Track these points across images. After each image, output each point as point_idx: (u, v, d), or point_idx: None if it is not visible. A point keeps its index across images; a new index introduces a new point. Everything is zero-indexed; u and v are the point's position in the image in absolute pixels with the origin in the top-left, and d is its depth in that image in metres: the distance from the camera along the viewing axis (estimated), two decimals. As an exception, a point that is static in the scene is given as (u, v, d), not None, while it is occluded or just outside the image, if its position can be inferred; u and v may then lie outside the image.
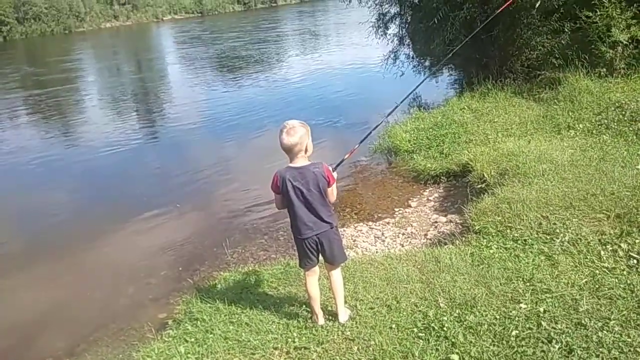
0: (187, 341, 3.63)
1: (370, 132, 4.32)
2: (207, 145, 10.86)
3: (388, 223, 5.99)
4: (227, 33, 41.00)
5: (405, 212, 6.24)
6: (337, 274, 3.44)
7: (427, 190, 6.82)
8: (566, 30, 8.83)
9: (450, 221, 5.60)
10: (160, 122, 13.54)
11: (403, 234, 5.61)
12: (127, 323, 4.66)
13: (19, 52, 41.87)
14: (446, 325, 3.15)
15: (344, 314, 3.46)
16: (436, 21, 9.12)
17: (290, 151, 3.14)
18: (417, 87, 5.57)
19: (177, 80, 20.93)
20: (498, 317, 3.16)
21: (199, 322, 3.87)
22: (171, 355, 3.47)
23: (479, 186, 5.85)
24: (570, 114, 7.35)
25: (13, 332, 4.78)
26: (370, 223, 6.07)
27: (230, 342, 3.47)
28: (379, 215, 6.30)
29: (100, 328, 4.63)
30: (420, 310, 3.38)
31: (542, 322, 3.03)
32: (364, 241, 5.61)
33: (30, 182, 9.36)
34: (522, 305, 3.22)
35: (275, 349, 3.30)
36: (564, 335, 2.90)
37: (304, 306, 3.71)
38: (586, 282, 3.40)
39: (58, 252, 6.42)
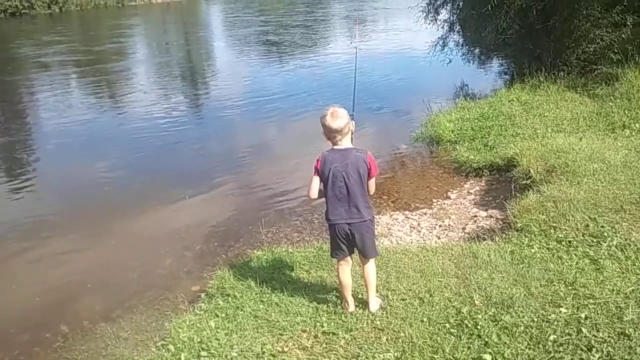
0: (217, 316, 3.67)
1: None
2: (249, 124, 10.92)
3: (425, 214, 5.88)
4: (276, 12, 40.95)
5: (444, 203, 6.11)
6: (371, 266, 3.40)
7: (468, 182, 6.65)
8: (628, 23, 8.39)
9: (491, 216, 5.44)
10: (205, 98, 13.70)
11: (440, 225, 5.50)
12: (162, 293, 4.76)
13: (75, 23, 43.08)
14: (480, 323, 3.06)
15: (374, 304, 3.42)
16: (490, 8, 8.79)
17: (338, 134, 3.12)
18: None
19: (223, 57, 21.09)
20: (536, 319, 3.04)
21: (230, 298, 3.91)
22: (202, 328, 3.52)
23: (524, 182, 5.65)
24: (626, 112, 7.00)
25: (55, 293, 4.96)
26: (406, 212, 5.97)
27: (259, 320, 3.49)
28: (416, 205, 6.19)
29: (136, 296, 4.74)
30: (453, 306, 3.30)
31: (583, 329, 2.90)
32: (399, 230, 5.52)
33: (78, 152, 9.64)
34: (563, 310, 3.09)
35: (304, 331, 3.29)
36: (605, 345, 2.77)
37: (334, 291, 3.68)
38: (633, 290, 3.23)
39: (102, 221, 6.59)
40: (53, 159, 9.35)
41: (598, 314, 3.02)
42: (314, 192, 3.28)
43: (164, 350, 3.41)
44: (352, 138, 3.26)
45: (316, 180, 3.26)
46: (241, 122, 11.11)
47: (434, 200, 6.25)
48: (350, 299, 3.46)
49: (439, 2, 11.29)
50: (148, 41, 29.10)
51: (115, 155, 9.16)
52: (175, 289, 4.78)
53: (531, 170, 5.69)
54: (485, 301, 3.29)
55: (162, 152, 9.28)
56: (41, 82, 16.37)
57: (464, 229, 5.34)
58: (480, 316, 3.13)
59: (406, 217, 5.84)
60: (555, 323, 2.98)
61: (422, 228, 5.52)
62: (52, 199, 7.48)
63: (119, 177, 8.15)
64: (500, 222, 5.11)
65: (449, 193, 6.44)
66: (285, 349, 3.13)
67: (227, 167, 8.26)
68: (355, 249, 3.36)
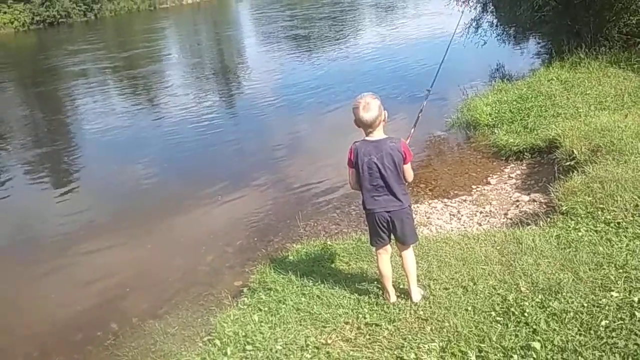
0: (260, 310, 3.71)
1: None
2: (283, 120, 10.97)
3: (465, 200, 5.77)
4: (304, 4, 40.89)
5: (484, 189, 5.97)
6: (409, 254, 3.35)
7: (509, 167, 6.48)
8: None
9: (534, 200, 5.28)
10: (238, 96, 13.84)
11: (481, 212, 5.38)
12: (206, 289, 4.86)
13: (109, 29, 44.25)
14: (527, 310, 2.97)
15: (416, 293, 3.38)
16: (524, -15, 8.52)
17: (370, 126, 3.08)
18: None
19: (253, 54, 21.24)
20: (586, 305, 2.94)
21: (272, 292, 3.95)
22: (246, 322, 3.56)
23: (568, 164, 5.46)
24: (675, 85, 6.64)
25: (103, 293, 5.13)
26: (445, 200, 5.87)
27: (302, 313, 3.50)
28: (455, 192, 6.08)
29: (181, 292, 4.85)
30: (498, 294, 3.22)
31: (637, 313, 2.77)
32: (438, 218, 5.44)
33: (118, 156, 9.93)
34: (614, 294, 2.97)
35: (347, 323, 3.29)
36: (661, 329, 2.65)
37: (375, 282, 3.66)
38: (689, 271, 3.07)
39: (143, 220, 6.78)
40: (95, 164, 9.65)
41: (652, 296, 2.89)
42: (355, 185, 3.30)
43: (210, 345, 3.48)
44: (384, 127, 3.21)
45: (354, 173, 3.24)
46: (274, 118, 11.17)
47: (474, 187, 6.12)
48: (392, 290, 3.43)
49: (470, -17, 10.99)
50: (180, 42, 29.61)
51: (154, 158, 9.38)
52: (218, 285, 4.87)
53: (575, 151, 5.49)
54: (532, 287, 3.20)
55: (199, 152, 9.43)
56: (80, 89, 16.89)
57: (506, 214, 5.21)
58: (527, 303, 3.05)
59: (445, 205, 5.74)
60: (607, 308, 2.87)
61: (462, 215, 5.41)
62: (95, 203, 7.71)
63: (158, 178, 8.34)
64: (544, 206, 4.96)
65: (488, 178, 6.29)
66: (329, 341, 3.13)
67: (263, 163, 8.33)
68: (394, 237, 3.33)
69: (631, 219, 3.81)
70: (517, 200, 5.46)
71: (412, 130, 4.04)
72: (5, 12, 50.70)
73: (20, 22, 50.91)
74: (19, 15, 50.96)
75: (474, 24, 11.30)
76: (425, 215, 5.51)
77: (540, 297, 3.08)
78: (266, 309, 3.70)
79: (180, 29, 38.03)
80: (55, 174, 9.30)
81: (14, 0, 51.00)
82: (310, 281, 3.90)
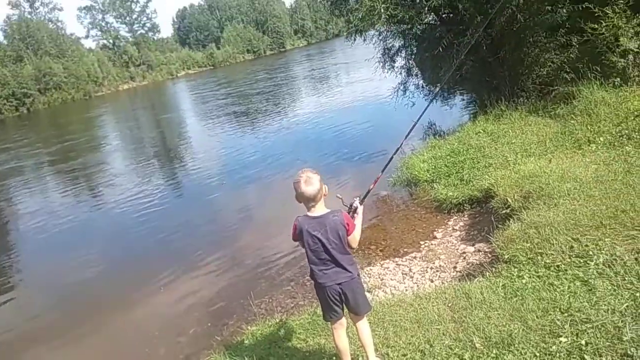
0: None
1: (392, 158, 4.23)
2: (229, 196, 10.95)
3: (415, 257, 5.86)
4: (239, 82, 41.99)
5: (432, 244, 6.11)
6: (364, 324, 3.33)
7: (452, 219, 6.68)
8: (574, 44, 8.78)
9: (479, 250, 5.44)
10: (182, 177, 13.74)
11: (431, 268, 5.47)
12: (160, 386, 4.61)
13: (43, 122, 43.46)
14: (484, 367, 2.99)
15: (375, 364, 3.33)
16: (441, 49, 9.16)
17: (312, 200, 3.09)
18: (425, 110, 5.45)
19: (194, 134, 21.34)
20: (538, 354, 2.99)
21: (229, 383, 3.78)
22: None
23: (504, 211, 5.70)
24: (589, 127, 7.19)
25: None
26: (396, 259, 5.95)
27: (261, 403, 3.36)
28: (405, 249, 6.18)
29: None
30: (455, 353, 3.23)
31: (586, 356, 2.85)
32: (391, 279, 5.48)
33: (58, 250, 9.53)
34: (562, 339, 3.04)
35: (308, 406, 3.18)
36: (610, 369, 2.72)
37: (334, 358, 3.59)
38: (627, 306, 3.21)
39: (89, 319, 6.44)
40: (34, 264, 9.19)
41: (598, 337, 2.98)
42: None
43: None
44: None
45: (302, 243, 3.23)
46: (220, 195, 11.13)
47: (422, 242, 6.25)
48: (351, 364, 3.36)
49: (393, 51, 11.71)
50: (119, 128, 29.41)
51: (97, 251, 9.05)
52: (174, 380, 4.63)
53: (508, 199, 5.76)
54: (486, 343, 3.23)
55: (144, 240, 9.20)
56: (15, 188, 16.28)
57: (455, 267, 5.32)
58: (483, 360, 3.07)
59: (397, 265, 5.81)
60: (558, 355, 2.93)
61: (414, 273, 5.48)
62: (37, 303, 7.32)
63: (102, 273, 8.01)
64: (489, 255, 5.11)
65: (434, 233, 6.45)
66: None
67: (212, 243, 8.20)
68: (347, 309, 3.30)
69: (569, 260, 3.97)
70: (464, 252, 5.60)
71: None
72: None
73: (-53, 122, 49.30)
74: (-55, 116, 49.44)
75: (401, 87, 11.93)
76: (379, 277, 5.53)
77: (494, 351, 3.11)
78: (224, 403, 3.53)
79: (118, 115, 37.92)
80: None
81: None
82: (268, 365, 3.78)
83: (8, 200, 14.95)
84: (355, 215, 3.33)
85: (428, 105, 5.49)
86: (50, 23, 70.45)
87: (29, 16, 68.35)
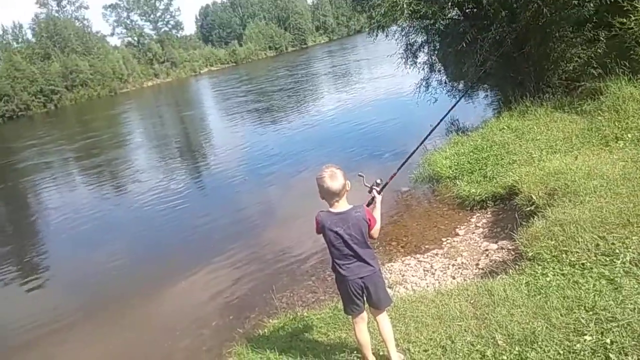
0: (240, 396, 3.58)
1: (410, 155, 4.25)
2: (251, 191, 11.03)
3: (437, 254, 5.83)
4: (260, 79, 42.20)
5: (454, 241, 6.07)
6: (384, 319, 3.34)
7: (474, 216, 6.62)
8: (601, 38, 8.59)
9: (502, 248, 5.39)
10: (205, 173, 13.90)
11: (453, 265, 5.44)
12: (184, 377, 4.70)
13: (70, 118, 44.38)
14: (506, 364, 2.98)
15: (397, 359, 3.34)
16: (465, 45, 9.06)
17: (336, 195, 3.10)
18: (452, 109, 5.40)
19: (217, 129, 21.56)
20: (562, 351, 2.96)
21: (251, 375, 3.83)
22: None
23: (528, 209, 5.62)
24: (616, 124, 7.03)
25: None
26: (418, 256, 5.93)
27: (282, 395, 3.40)
28: (427, 246, 6.15)
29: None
30: (477, 350, 3.21)
31: (611, 355, 2.82)
32: (412, 275, 5.46)
33: (84, 243, 9.73)
34: (587, 337, 3.01)
35: (329, 400, 3.20)
36: (636, 369, 2.68)
37: (355, 352, 3.60)
38: (655, 306, 3.15)
39: (115, 311, 6.57)
40: (61, 257, 9.40)
41: (623, 336, 2.93)
42: None
43: None
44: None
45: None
46: (243, 190, 11.22)
47: (444, 239, 6.21)
48: (372, 358, 3.38)
49: (415, 46, 11.62)
50: (143, 125, 29.86)
51: (122, 245, 9.23)
52: (197, 371, 4.71)
53: (533, 196, 5.68)
54: (508, 340, 3.21)
55: (168, 232, 9.34)
56: (43, 182, 16.68)
57: (477, 264, 5.28)
58: (505, 357, 3.05)
59: (418, 261, 5.79)
60: (582, 353, 2.90)
61: (435, 270, 5.45)
62: (63, 294, 7.52)
63: (127, 266, 8.16)
64: (512, 253, 5.05)
65: (457, 230, 6.40)
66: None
67: (235, 237, 8.28)
68: (367, 303, 3.31)
69: (594, 258, 3.91)
70: (487, 250, 5.55)
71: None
72: (-37, 110, 50.65)
73: (-22, 118, 50.82)
74: (-23, 112, 50.94)
75: (423, 84, 11.84)
76: (400, 274, 5.52)
77: (517, 349, 3.09)
78: (245, 394, 3.57)
79: (142, 111, 38.46)
80: (21, 270, 8.97)
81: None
82: (290, 358, 3.81)
83: (36, 195, 15.33)
84: (374, 204, 3.36)
85: (452, 107, 5.44)
86: (76, 21, 71.85)
87: (56, 14, 69.82)
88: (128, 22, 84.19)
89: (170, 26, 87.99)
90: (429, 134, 4.88)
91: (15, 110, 52.70)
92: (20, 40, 69.78)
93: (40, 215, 12.92)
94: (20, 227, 12.16)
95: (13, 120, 50.85)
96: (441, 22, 10.06)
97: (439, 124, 4.28)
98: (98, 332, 6.16)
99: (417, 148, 4.66)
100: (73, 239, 10.12)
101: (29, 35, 68.33)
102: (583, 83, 8.95)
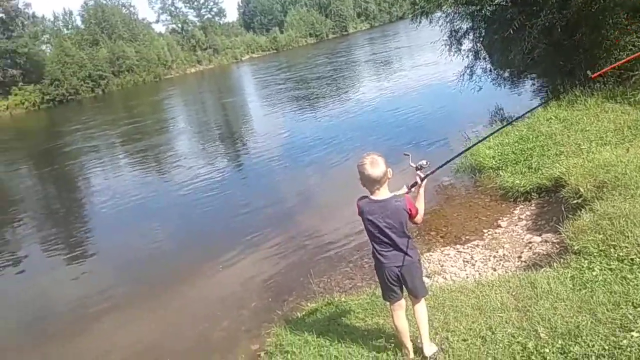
0: (278, 375, 3.66)
1: (462, 153, 4.15)
2: (290, 177, 11.13)
3: (477, 245, 5.74)
4: (301, 65, 42.20)
5: (495, 233, 5.96)
6: (421, 307, 3.34)
7: (518, 208, 6.47)
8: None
9: (546, 241, 5.25)
10: (245, 159, 14.09)
11: (494, 256, 5.34)
12: (224, 355, 4.86)
13: (117, 103, 45.73)
14: (548, 357, 2.93)
15: (429, 348, 3.34)
16: (512, 32, 8.80)
17: (377, 182, 3.09)
18: (529, 111, 5.01)
19: (257, 116, 21.76)
20: (607, 347, 2.89)
21: (289, 355, 3.91)
22: (265, 389, 3.51)
23: (575, 201, 5.46)
24: (673, 115, 6.71)
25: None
26: (457, 246, 5.85)
27: (320, 377, 3.45)
28: (467, 237, 6.06)
29: (199, 360, 4.82)
30: (518, 342, 3.17)
31: (660, 353, 2.73)
32: (452, 266, 5.41)
33: (129, 225, 10.09)
34: (634, 334, 2.92)
35: (366, 383, 3.23)
36: (687, 367, 2.59)
37: (392, 338, 3.61)
38: None
39: (157, 291, 6.79)
40: (107, 238, 9.76)
41: (674, 334, 2.84)
42: None
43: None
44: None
45: None
46: (282, 176, 11.34)
47: (485, 231, 6.10)
48: (410, 345, 3.38)
49: (460, 33, 11.38)
50: (186, 111, 30.44)
51: (165, 227, 9.49)
52: (236, 350, 4.85)
53: (581, 189, 5.50)
54: (551, 333, 3.15)
55: (208, 216, 9.55)
56: (90, 165, 17.34)
57: (519, 257, 5.17)
58: (547, 350, 3.00)
59: (458, 252, 5.72)
60: (629, 349, 2.82)
61: (476, 261, 5.38)
62: (108, 277, 7.76)
63: (169, 247, 8.41)
64: (557, 246, 4.93)
65: (499, 221, 6.28)
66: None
67: (273, 222, 8.39)
68: (406, 290, 3.32)
69: (644, 254, 3.77)
70: (530, 242, 5.43)
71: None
72: (16, 94, 52.83)
73: (30, 102, 52.96)
74: (29, 96, 53.12)
75: (467, 71, 11.60)
76: (439, 264, 5.48)
77: (560, 342, 3.03)
78: (284, 374, 3.65)
79: (185, 97, 39.21)
80: (69, 250, 9.37)
81: (24, 82, 53.28)
82: (327, 341, 3.86)
83: (83, 178, 15.92)
84: (417, 189, 3.27)
85: (532, 110, 5.16)
86: (123, 8, 73.43)
87: (104, 2, 71.61)
88: (173, 9, 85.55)
89: (213, 13, 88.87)
90: (493, 134, 4.63)
91: (65, 94, 54.64)
92: (70, 26, 72.05)
93: (87, 199, 13.41)
94: (69, 209, 12.63)
95: (63, 104, 52.79)
96: (488, 8, 9.81)
97: (508, 124, 4.14)
98: (139, 312, 6.36)
99: (473, 145, 4.56)
100: (118, 223, 10.47)
101: (79, 22, 70.40)
102: (637, 72, 8.56)
